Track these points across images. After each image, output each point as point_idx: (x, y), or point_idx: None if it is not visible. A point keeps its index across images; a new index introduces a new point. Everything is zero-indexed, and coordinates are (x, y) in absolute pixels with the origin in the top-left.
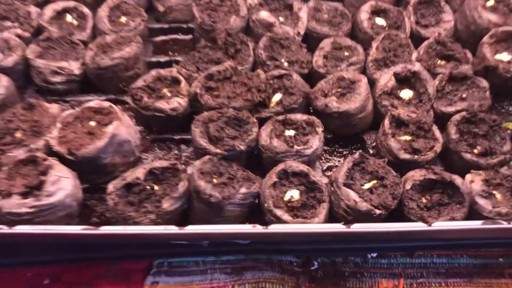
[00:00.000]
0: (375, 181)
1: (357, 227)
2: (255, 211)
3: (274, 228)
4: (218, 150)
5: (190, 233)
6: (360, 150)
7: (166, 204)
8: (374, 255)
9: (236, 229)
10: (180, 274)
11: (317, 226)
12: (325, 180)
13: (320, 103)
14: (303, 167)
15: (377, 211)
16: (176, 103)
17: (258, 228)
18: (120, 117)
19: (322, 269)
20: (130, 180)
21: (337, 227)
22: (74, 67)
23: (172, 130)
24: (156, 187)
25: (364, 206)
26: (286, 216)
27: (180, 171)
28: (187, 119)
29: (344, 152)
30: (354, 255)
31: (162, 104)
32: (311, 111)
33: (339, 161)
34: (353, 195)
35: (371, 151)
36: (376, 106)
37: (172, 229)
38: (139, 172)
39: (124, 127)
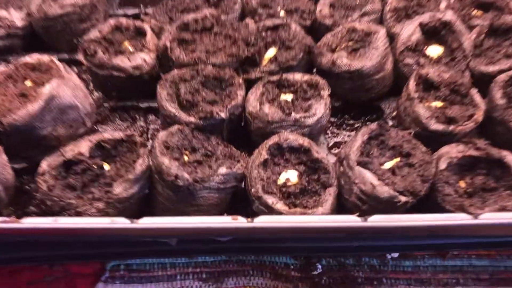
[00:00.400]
0: (398, 159)
1: (376, 220)
2: (239, 198)
3: (262, 221)
4: (191, 119)
5: (144, 229)
6: (375, 125)
7: (119, 189)
8: (395, 255)
9: (210, 223)
10: (141, 280)
11: (321, 218)
12: (332, 159)
13: (326, 60)
14: (303, 141)
15: (403, 198)
16: (140, 59)
17: (240, 222)
18: (63, 75)
19: (327, 274)
20: (71, 156)
21: (349, 220)
22: (16, 17)
23: (137, 96)
24: (106, 166)
25: (385, 191)
26: (280, 205)
27: (138, 144)
28: (156, 82)
29: (356, 125)
30: (370, 255)
31: (121, 61)
32: (314, 71)
33: (349, 136)
34: (369, 176)
35: (390, 123)
36: (397, 66)
37: (121, 222)
38: (82, 146)
39: (68, 88)
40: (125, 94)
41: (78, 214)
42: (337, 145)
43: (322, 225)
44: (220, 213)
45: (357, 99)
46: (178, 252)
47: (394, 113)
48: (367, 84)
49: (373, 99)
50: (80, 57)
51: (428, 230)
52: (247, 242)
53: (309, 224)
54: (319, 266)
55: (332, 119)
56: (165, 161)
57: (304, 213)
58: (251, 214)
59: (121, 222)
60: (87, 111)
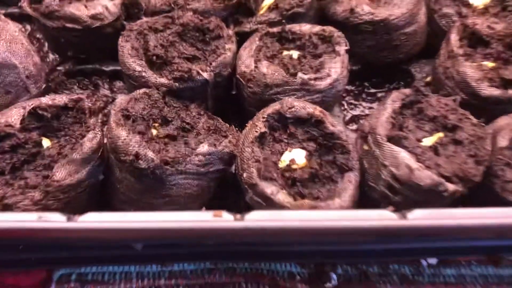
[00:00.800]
0: (441, 134)
1: (419, 217)
2: (228, 188)
3: (256, 219)
4: (162, 80)
5: (86, 229)
6: (409, 89)
7: (61, 173)
8: (433, 261)
9: (179, 223)
10: None
11: (340, 215)
12: (351, 136)
13: (343, 8)
14: (314, 109)
15: (450, 187)
16: (100, 7)
17: (225, 220)
18: None
19: (346, 286)
20: None
21: (381, 217)
22: None
23: (100, 56)
24: (45, 143)
25: (426, 177)
26: (282, 196)
27: (88, 113)
28: None
29: (379, 94)
30: (399, 262)
31: (77, 9)
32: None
33: (370, 108)
34: (405, 157)
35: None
36: (432, 18)
37: (52, 220)
38: (12, 114)
39: (2, 41)
40: (84, 54)
41: (6, 207)
42: (355, 119)
43: (341, 225)
44: (200, 207)
45: (380, 61)
46: (147, 258)
47: (428, 79)
48: (394, 40)
49: (401, 60)
50: (23, 4)
51: (496, 231)
52: (238, 245)
53: (322, 224)
54: (334, 277)
55: (349, 87)
56: (122, 134)
57: (316, 207)
58: (243, 208)
59: (53, 220)
60: (30, 73)
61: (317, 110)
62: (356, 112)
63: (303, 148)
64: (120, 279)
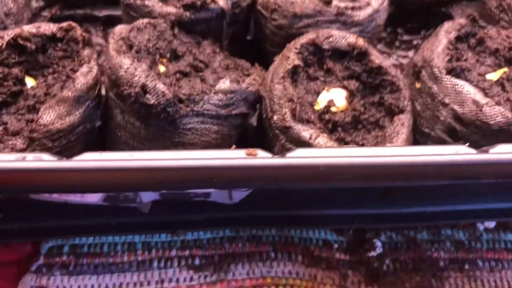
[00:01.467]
0: (506, 69)
1: (505, 151)
2: (249, 139)
3: (303, 155)
4: (169, 9)
5: (85, 169)
6: (464, 19)
7: (49, 116)
8: (491, 225)
9: (206, 160)
10: (96, 269)
11: (406, 151)
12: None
13: None
14: (356, 39)
15: None
16: None
17: (262, 157)
18: None
19: (391, 255)
20: None
21: (458, 151)
22: None
23: (91, 1)
24: (29, 81)
25: (499, 113)
26: (323, 139)
27: (81, 42)
28: None
29: (414, 41)
30: (452, 225)
31: None
32: None
33: (404, 57)
34: (470, 91)
35: None
36: None
37: (40, 160)
38: None
39: None
40: None
41: None
42: None
43: (411, 160)
44: None
45: (417, 1)
46: (154, 225)
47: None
48: None
49: (439, 2)
50: None
51: None
52: (264, 208)
53: (388, 160)
54: (378, 244)
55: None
56: (125, 62)
57: None
58: None
59: (41, 160)
60: (9, 10)
61: (360, 40)
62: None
63: (343, 87)
64: (123, 251)
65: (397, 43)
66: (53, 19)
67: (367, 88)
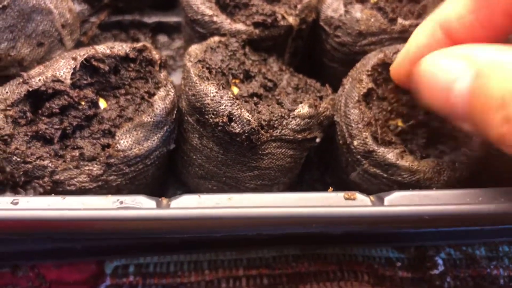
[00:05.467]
0: None
1: None
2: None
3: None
4: (239, 26)
5: (182, 218)
6: None
7: (127, 141)
8: None
9: (311, 209)
10: None
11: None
12: None
13: None
14: None
15: None
16: None
17: (360, 204)
18: None
19: (452, 272)
20: (40, 84)
21: None
22: None
23: (141, 4)
24: (102, 103)
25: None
26: (409, 160)
27: (157, 64)
28: None
29: None
30: (510, 243)
31: None
32: None
33: None
34: None
35: None
36: None
37: (140, 206)
38: (60, 67)
39: None
40: (122, 1)
41: (57, 184)
42: None
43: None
44: (292, 183)
45: None
46: (220, 243)
47: None
48: None
49: None
50: None
51: None
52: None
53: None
54: (440, 262)
55: None
56: (211, 90)
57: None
58: (338, 181)
59: (141, 207)
60: (65, 21)
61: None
62: None
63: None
64: (189, 271)
65: None
66: (101, 25)
67: None
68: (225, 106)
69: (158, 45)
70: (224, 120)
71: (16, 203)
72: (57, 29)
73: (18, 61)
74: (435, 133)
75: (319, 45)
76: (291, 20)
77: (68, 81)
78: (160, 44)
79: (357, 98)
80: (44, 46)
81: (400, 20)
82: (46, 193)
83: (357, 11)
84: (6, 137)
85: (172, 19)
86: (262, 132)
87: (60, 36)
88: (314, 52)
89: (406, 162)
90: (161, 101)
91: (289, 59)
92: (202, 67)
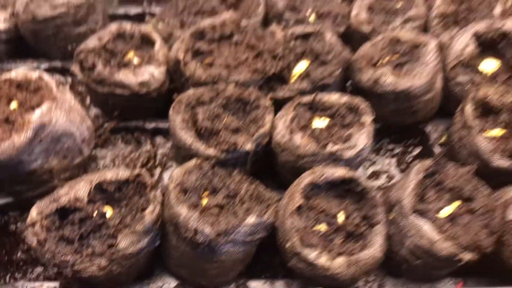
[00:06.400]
0: (458, 203)
1: None
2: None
3: None
4: (210, 151)
5: None
6: (430, 160)
7: (125, 243)
8: None
9: None
10: None
11: None
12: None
13: (367, 77)
14: (343, 172)
15: (466, 257)
16: (147, 74)
17: None
18: (55, 96)
19: None
20: (66, 202)
21: None
22: None
23: (143, 114)
24: (108, 213)
25: (446, 248)
26: (324, 260)
27: (149, 186)
28: (165, 99)
29: (396, 150)
30: None
31: (125, 76)
32: (350, 90)
33: (388, 164)
34: (428, 230)
35: (435, 151)
36: (447, 84)
37: None
38: (80, 189)
39: (62, 112)
40: (128, 113)
41: (76, 272)
42: (375, 174)
43: None
44: (244, 268)
45: (399, 122)
46: None
47: (443, 139)
48: (413, 106)
49: (417, 121)
50: (75, 70)
51: None
52: None
53: None
54: None
55: None
56: (183, 211)
57: (353, 263)
58: (283, 268)
59: None
60: (84, 137)
61: (346, 172)
62: (377, 167)
63: (341, 209)
64: None
65: (382, 151)
66: (113, 130)
67: (355, 206)
68: (192, 223)
69: (155, 145)
70: (191, 234)
71: None
72: (78, 144)
73: (49, 170)
74: (350, 235)
75: (273, 159)
76: (248, 147)
77: (86, 200)
78: (157, 143)
79: (290, 211)
80: (68, 157)
81: (329, 146)
82: (68, 279)
83: (297, 139)
84: (42, 240)
85: (167, 124)
86: (219, 239)
87: (80, 149)
88: (272, 163)
89: (322, 261)
90: (149, 215)
91: (251, 167)
92: (179, 191)
